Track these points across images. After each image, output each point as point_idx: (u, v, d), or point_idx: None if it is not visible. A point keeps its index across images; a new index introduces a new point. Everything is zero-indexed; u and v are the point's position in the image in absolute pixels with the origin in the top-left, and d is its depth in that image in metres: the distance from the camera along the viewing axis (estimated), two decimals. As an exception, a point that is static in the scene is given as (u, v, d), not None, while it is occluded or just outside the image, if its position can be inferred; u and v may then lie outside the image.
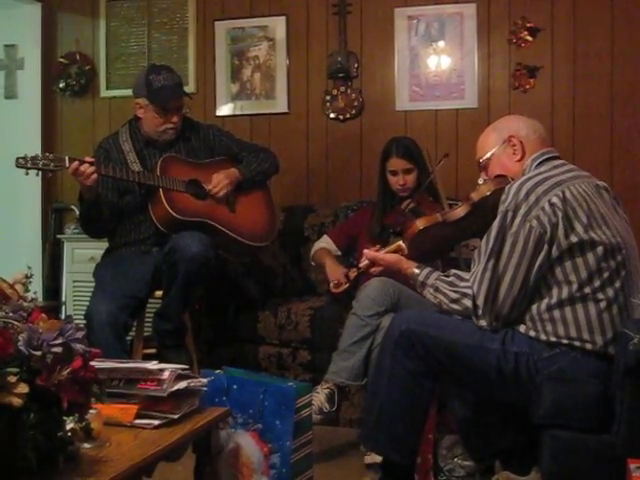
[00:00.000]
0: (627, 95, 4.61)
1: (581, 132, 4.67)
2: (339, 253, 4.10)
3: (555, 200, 2.47)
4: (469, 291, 2.56)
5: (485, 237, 2.56)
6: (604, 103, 4.65)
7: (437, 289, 2.65)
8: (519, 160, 2.73)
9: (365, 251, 2.98)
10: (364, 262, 2.96)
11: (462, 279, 2.62)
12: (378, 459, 2.95)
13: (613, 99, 4.63)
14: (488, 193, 2.76)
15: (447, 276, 2.67)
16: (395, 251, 2.90)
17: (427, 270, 2.72)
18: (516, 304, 2.51)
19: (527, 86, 4.74)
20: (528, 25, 4.72)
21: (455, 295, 2.60)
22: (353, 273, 3.07)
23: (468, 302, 2.56)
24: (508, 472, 2.84)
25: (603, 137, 4.65)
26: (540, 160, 2.68)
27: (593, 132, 4.66)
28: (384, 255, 2.90)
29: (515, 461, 2.85)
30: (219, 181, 3.91)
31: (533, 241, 2.46)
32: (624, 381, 2.31)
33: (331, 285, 3.24)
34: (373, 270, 2.97)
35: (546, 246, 2.46)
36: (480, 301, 2.53)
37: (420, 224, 2.90)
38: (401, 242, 2.92)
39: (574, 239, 2.45)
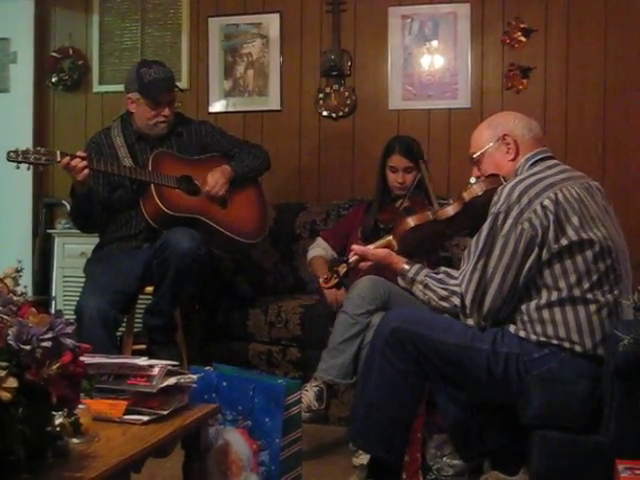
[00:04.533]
0: (620, 96, 4.62)
1: (573, 133, 4.68)
2: (335, 255, 4.06)
3: (547, 203, 2.47)
4: (458, 289, 2.57)
5: (475, 237, 2.57)
6: (597, 104, 4.65)
7: (426, 286, 2.66)
8: (512, 160, 2.73)
9: (354, 246, 2.98)
10: (353, 257, 2.96)
11: (452, 277, 2.63)
12: (366, 461, 2.95)
13: (605, 100, 4.64)
14: (480, 193, 2.77)
15: (437, 273, 2.68)
16: (385, 246, 2.90)
17: (417, 267, 2.73)
18: (505, 304, 2.53)
19: (520, 86, 4.75)
20: (522, 26, 4.72)
21: (444, 292, 2.61)
22: (343, 269, 3.06)
23: (456, 300, 2.58)
24: (497, 472, 2.84)
25: (595, 138, 4.65)
26: (534, 160, 2.68)
27: (585, 133, 4.67)
28: (374, 250, 2.90)
29: (504, 461, 2.86)
30: (216, 180, 3.90)
31: (524, 243, 2.47)
32: (613, 382, 2.32)
33: (321, 280, 3.25)
34: (363, 265, 2.97)
35: (536, 249, 2.47)
36: (468, 300, 2.54)
37: (411, 222, 2.90)
38: (391, 238, 2.93)
39: (564, 242, 2.46)
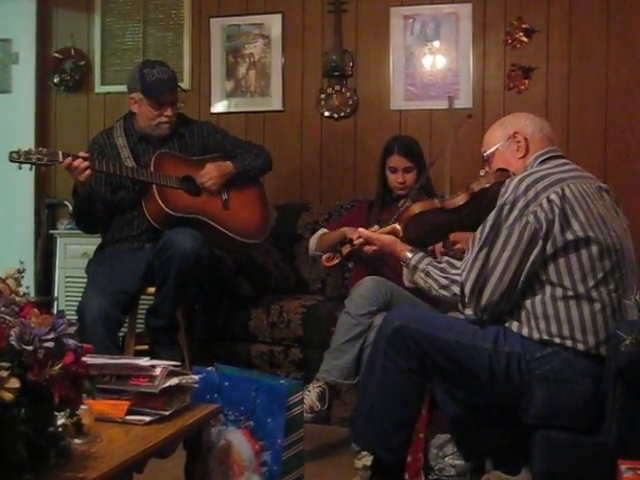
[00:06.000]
0: (621, 96, 4.62)
1: (575, 133, 4.68)
2: None
3: (553, 197, 2.47)
4: (459, 278, 2.58)
5: (480, 227, 2.57)
6: (598, 104, 4.65)
7: (428, 274, 2.67)
8: (522, 157, 2.74)
9: (360, 229, 2.98)
10: (358, 240, 2.96)
11: (454, 266, 2.64)
12: (369, 463, 2.95)
13: (607, 100, 4.64)
14: (488, 185, 2.78)
15: (439, 262, 2.69)
16: (390, 233, 2.90)
17: (420, 255, 2.74)
18: (504, 297, 2.52)
19: (522, 87, 4.75)
20: (523, 26, 4.72)
21: (445, 281, 2.62)
22: (346, 249, 3.06)
23: (457, 289, 2.59)
24: (499, 472, 2.84)
25: (597, 138, 4.65)
26: (543, 158, 2.69)
27: (587, 133, 4.67)
28: (379, 235, 2.90)
29: (506, 461, 2.85)
30: (209, 172, 3.91)
31: (528, 236, 2.46)
32: (616, 382, 2.32)
33: (323, 258, 3.24)
34: (367, 249, 2.96)
35: (541, 242, 2.46)
36: (467, 289, 2.54)
37: (417, 208, 2.91)
38: (396, 224, 2.92)
39: (570, 237, 2.46)
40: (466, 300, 2.56)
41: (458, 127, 3.36)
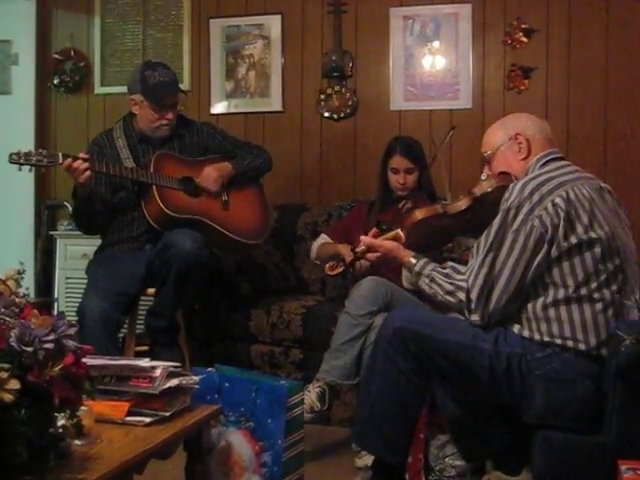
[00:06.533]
0: (621, 96, 4.62)
1: (575, 133, 4.67)
2: None
3: (558, 200, 2.47)
4: (464, 284, 2.56)
5: (485, 232, 2.56)
6: (598, 104, 4.65)
7: (433, 280, 2.65)
8: (524, 159, 2.73)
9: (362, 237, 2.96)
10: (361, 247, 2.95)
11: (458, 272, 2.62)
12: (369, 462, 2.95)
13: (607, 100, 4.64)
14: (490, 189, 2.77)
15: (444, 268, 2.67)
16: (392, 238, 2.90)
17: (424, 260, 2.72)
18: (510, 302, 2.51)
19: (522, 87, 4.75)
20: (523, 26, 4.72)
21: (450, 287, 2.60)
22: (349, 257, 3.06)
23: (462, 295, 2.57)
24: (499, 472, 2.84)
25: (597, 138, 4.65)
26: (545, 160, 2.69)
27: (587, 133, 4.67)
28: (382, 242, 2.88)
29: (506, 461, 2.85)
30: (209, 174, 3.91)
31: (533, 240, 2.46)
32: (616, 382, 2.32)
33: (326, 267, 3.24)
34: (370, 255, 2.96)
35: (546, 246, 2.46)
36: (474, 295, 2.53)
37: (419, 214, 2.90)
38: (399, 230, 2.92)
39: (574, 240, 2.46)
40: (472, 306, 2.55)
41: (444, 139, 3.37)
